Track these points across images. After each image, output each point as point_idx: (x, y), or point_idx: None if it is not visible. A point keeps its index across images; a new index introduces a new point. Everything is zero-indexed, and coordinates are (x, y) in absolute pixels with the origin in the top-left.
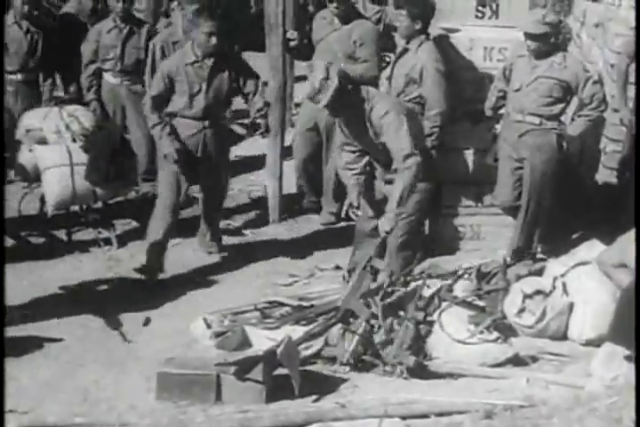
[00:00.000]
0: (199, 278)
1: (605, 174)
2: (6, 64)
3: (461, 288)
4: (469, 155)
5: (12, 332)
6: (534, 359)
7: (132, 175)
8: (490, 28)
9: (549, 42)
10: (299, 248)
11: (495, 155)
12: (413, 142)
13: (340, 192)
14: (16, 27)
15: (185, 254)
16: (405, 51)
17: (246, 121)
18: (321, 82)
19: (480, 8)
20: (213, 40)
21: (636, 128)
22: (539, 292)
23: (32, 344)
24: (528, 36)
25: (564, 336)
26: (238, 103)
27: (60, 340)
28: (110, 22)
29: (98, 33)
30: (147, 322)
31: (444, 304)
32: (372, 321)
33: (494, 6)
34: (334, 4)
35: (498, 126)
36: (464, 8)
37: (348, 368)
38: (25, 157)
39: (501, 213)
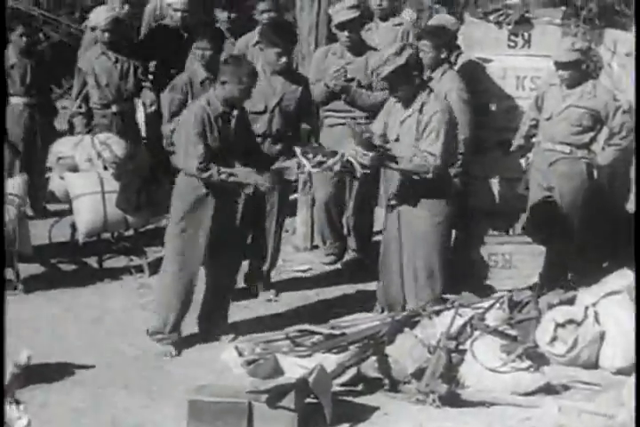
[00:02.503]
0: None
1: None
2: (98, 97)
3: (493, 317)
4: (500, 184)
5: (42, 358)
6: (566, 388)
7: (163, 203)
8: (522, 57)
9: (580, 69)
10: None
11: (526, 183)
12: (444, 152)
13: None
14: (104, 58)
15: None
16: (429, 79)
17: None
18: (389, 56)
19: (512, 37)
20: (246, 92)
21: (635, 131)
22: (570, 321)
23: (63, 371)
24: (559, 64)
25: (595, 365)
26: None
27: (92, 367)
28: None
29: None
30: None
31: (476, 333)
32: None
33: (526, 36)
34: (346, 34)
35: (530, 155)
36: (496, 37)
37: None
38: (56, 184)
39: (533, 241)
